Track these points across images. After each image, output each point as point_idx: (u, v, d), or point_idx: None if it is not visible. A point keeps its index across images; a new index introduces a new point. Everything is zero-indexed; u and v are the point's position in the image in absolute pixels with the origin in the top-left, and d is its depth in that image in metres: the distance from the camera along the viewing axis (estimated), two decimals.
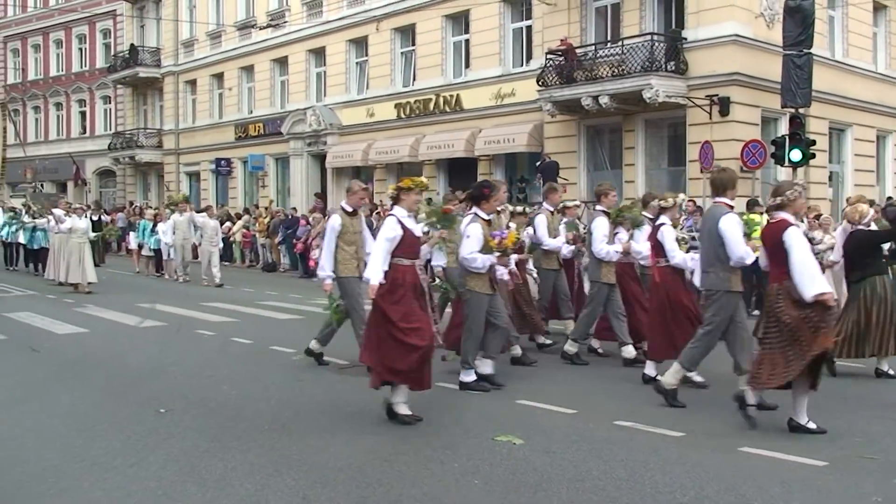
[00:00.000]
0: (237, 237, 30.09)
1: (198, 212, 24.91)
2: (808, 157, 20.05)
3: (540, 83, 23.55)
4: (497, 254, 8.95)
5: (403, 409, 7.69)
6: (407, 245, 7.86)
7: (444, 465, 6.37)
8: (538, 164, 23.46)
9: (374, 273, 7.65)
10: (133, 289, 20.83)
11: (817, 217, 17.18)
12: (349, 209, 10.45)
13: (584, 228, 12.01)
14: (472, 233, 8.96)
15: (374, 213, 25.31)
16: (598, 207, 10.85)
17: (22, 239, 26.12)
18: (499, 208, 10.14)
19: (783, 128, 21.95)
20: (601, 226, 10.57)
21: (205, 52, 39.59)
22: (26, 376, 9.97)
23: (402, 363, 7.52)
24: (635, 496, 5.72)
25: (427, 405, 8.34)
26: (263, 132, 36.03)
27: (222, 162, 37.83)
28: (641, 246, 10.42)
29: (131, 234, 28.22)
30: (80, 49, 48.16)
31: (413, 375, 7.63)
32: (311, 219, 26.26)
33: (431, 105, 28.52)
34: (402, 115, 29.51)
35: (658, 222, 9.57)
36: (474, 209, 9.21)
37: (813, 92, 20.59)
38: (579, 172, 24.47)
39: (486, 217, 9.19)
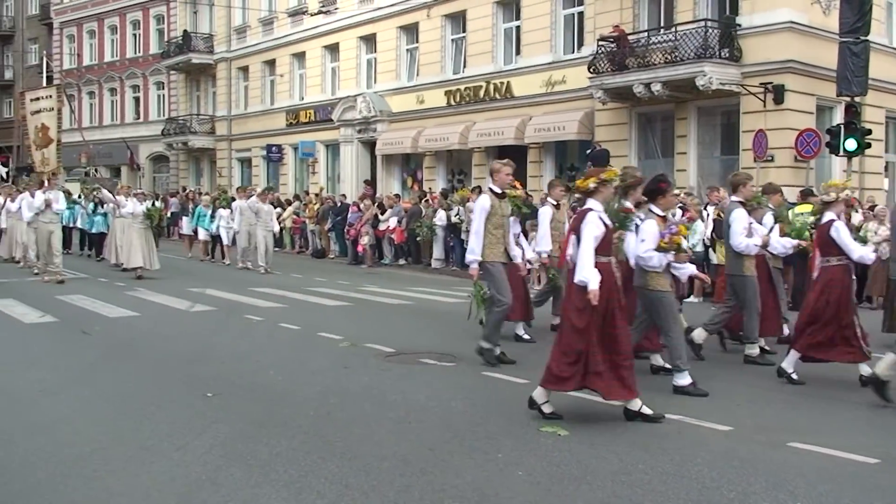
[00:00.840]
0: (287, 223, 30.28)
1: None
2: (863, 146, 19.67)
3: (591, 70, 23.35)
4: (672, 252, 8.35)
5: (646, 410, 7.36)
6: (606, 241, 7.41)
7: (488, 455, 6.34)
8: (588, 152, 23.24)
9: (593, 276, 7.14)
10: (184, 273, 21.06)
11: (872, 208, 16.84)
12: (497, 190, 9.94)
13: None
14: (647, 230, 8.38)
15: (422, 201, 25.33)
16: (734, 198, 10.30)
17: (80, 223, 26.51)
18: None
19: (838, 117, 21.55)
20: (740, 217, 10.04)
21: (257, 39, 39.83)
22: (77, 359, 10.12)
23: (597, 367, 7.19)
24: (681, 491, 5.64)
25: (472, 395, 8.31)
26: (314, 119, 36.20)
27: (273, 148, 38.09)
28: (784, 240, 10.08)
29: (184, 218, 28.53)
30: (134, 35, 48.74)
31: (609, 382, 7.25)
32: (360, 205, 26.38)
33: (481, 92, 28.42)
34: (452, 103, 29.44)
35: (826, 219, 8.96)
36: (649, 205, 8.62)
37: (869, 80, 20.18)
38: (630, 161, 24.21)
39: (662, 213, 8.62)
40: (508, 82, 27.53)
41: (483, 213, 9.70)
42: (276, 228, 24.28)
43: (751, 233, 10.01)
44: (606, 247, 7.42)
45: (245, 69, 41.09)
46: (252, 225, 22.35)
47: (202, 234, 26.07)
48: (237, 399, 8.07)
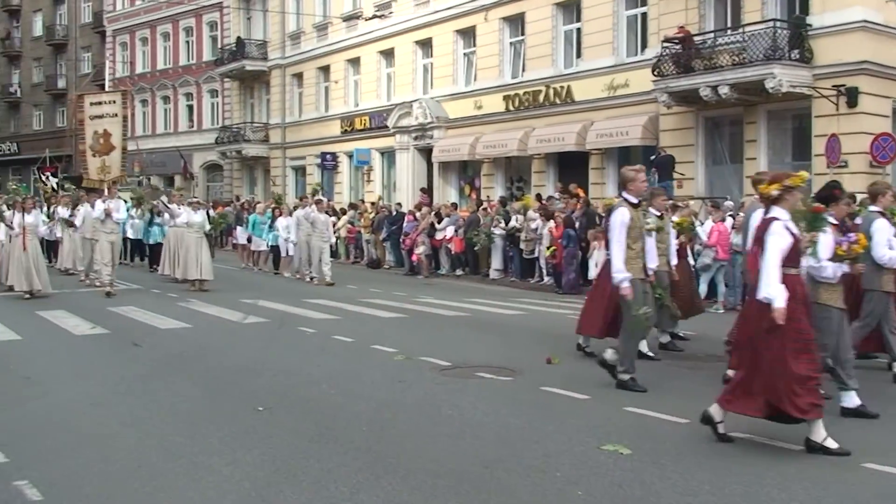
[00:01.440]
0: (342, 233, 30.44)
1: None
2: None
3: (655, 73, 23.15)
4: (847, 262, 8.13)
5: (831, 443, 6.90)
6: (794, 252, 7.08)
7: (546, 474, 6.27)
8: (653, 158, 23.04)
9: (779, 293, 6.80)
10: (237, 284, 21.25)
11: None
12: (634, 200, 9.48)
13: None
14: (821, 238, 8.08)
15: (480, 209, 25.30)
16: (873, 208, 9.86)
17: (130, 233, 26.85)
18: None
19: None
20: (882, 228, 9.58)
21: (311, 45, 40.18)
22: (127, 371, 10.25)
23: (804, 393, 6.83)
24: None
25: (530, 411, 8.25)
26: (369, 126, 36.40)
27: (328, 156, 38.34)
28: None
29: (238, 228, 28.78)
30: (188, 42, 49.47)
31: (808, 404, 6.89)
32: (417, 214, 26.41)
33: (541, 97, 28.33)
34: (511, 108, 29.39)
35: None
36: (825, 213, 8.25)
37: None
38: (697, 167, 23.97)
39: (836, 221, 8.34)
40: (569, 86, 27.41)
41: (623, 226, 9.23)
42: (333, 239, 24.33)
43: (892, 245, 9.59)
44: (795, 258, 7.07)
45: (299, 76, 41.48)
46: (308, 235, 22.45)
47: (256, 244, 26.23)
48: (289, 413, 8.11)
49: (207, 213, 21.80)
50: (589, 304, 11.15)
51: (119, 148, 19.98)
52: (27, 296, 17.78)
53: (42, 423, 7.82)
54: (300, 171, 42.15)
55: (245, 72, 43.38)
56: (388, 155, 36.06)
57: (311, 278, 22.37)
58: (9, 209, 19.25)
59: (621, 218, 9.24)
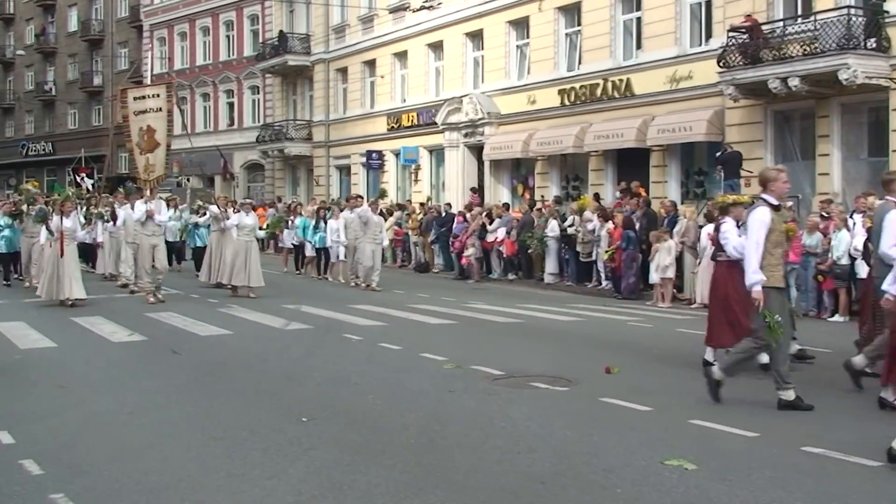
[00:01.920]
0: (388, 235, 30.51)
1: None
2: None
3: (721, 64, 22.92)
4: None
5: None
6: None
7: (606, 490, 6.23)
8: (718, 154, 22.82)
9: None
10: (279, 289, 21.34)
11: None
12: (774, 202, 9.07)
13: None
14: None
15: (534, 210, 25.26)
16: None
17: (168, 236, 26.73)
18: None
19: None
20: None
21: (356, 38, 40.39)
22: (166, 380, 10.37)
23: None
24: None
25: (588, 423, 8.20)
26: (417, 122, 36.48)
27: (374, 154, 38.46)
28: None
29: (285, 231, 28.57)
30: (228, 37, 49.93)
31: None
32: (467, 215, 26.42)
33: (599, 90, 28.19)
34: (567, 102, 29.28)
35: None
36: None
37: None
38: (766, 164, 23.69)
39: None
40: (628, 79, 27.25)
41: (763, 226, 8.92)
42: (386, 242, 24.16)
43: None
44: None
45: (344, 71, 41.71)
46: (357, 238, 22.39)
47: (308, 249, 25.96)
48: (334, 424, 8.14)
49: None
50: (714, 313, 10.90)
51: (163, 145, 19.68)
52: (69, 303, 17.62)
53: (77, 434, 7.93)
54: (344, 171, 42.36)
55: (287, 67, 43.70)
56: (437, 153, 36.12)
57: (356, 283, 22.41)
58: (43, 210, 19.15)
59: (761, 217, 8.94)
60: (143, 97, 20.31)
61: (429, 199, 33.83)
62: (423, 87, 36.52)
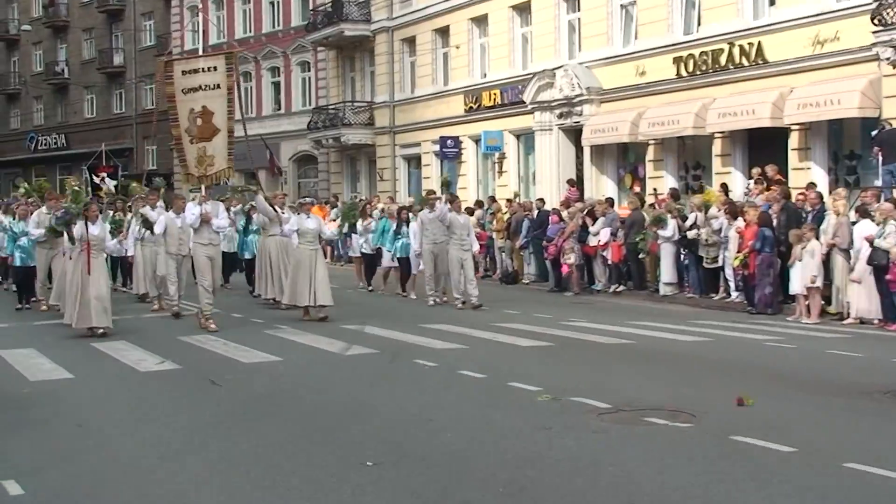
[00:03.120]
0: None
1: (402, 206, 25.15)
2: None
3: (876, 22, 22.56)
4: None
5: None
6: None
7: None
8: (874, 134, 22.44)
9: None
10: (339, 307, 20.81)
11: None
12: None
13: None
14: None
15: (644, 206, 25.08)
16: None
17: (225, 246, 25.96)
18: None
19: None
20: None
21: (425, 2, 40.53)
22: (203, 416, 10.49)
23: None
24: None
25: (717, 468, 8.10)
26: (500, 102, 36.47)
27: (448, 141, 38.49)
28: None
29: (353, 236, 28.12)
30: (272, 3, 50.40)
31: None
32: (563, 214, 26.31)
33: (723, 58, 27.91)
34: (684, 73, 29.05)
35: None
36: None
37: None
38: None
39: None
40: (759, 43, 26.93)
41: None
42: (476, 247, 23.78)
43: None
44: None
45: (411, 41, 41.90)
46: (435, 244, 22.19)
47: (386, 259, 25.51)
48: (404, 470, 8.15)
49: None
50: None
51: (224, 131, 19.15)
52: (99, 332, 17.00)
53: (98, 483, 8.03)
54: (413, 162, 42.55)
55: (344, 38, 44.07)
56: (526, 138, 36.08)
57: (435, 300, 22.30)
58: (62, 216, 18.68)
59: None
60: (195, 71, 19.54)
61: (516, 194, 33.78)
62: (506, 58, 36.51)
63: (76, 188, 20.76)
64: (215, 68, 19.44)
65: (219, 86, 19.26)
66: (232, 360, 14.36)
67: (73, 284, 17.28)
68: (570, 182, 31.82)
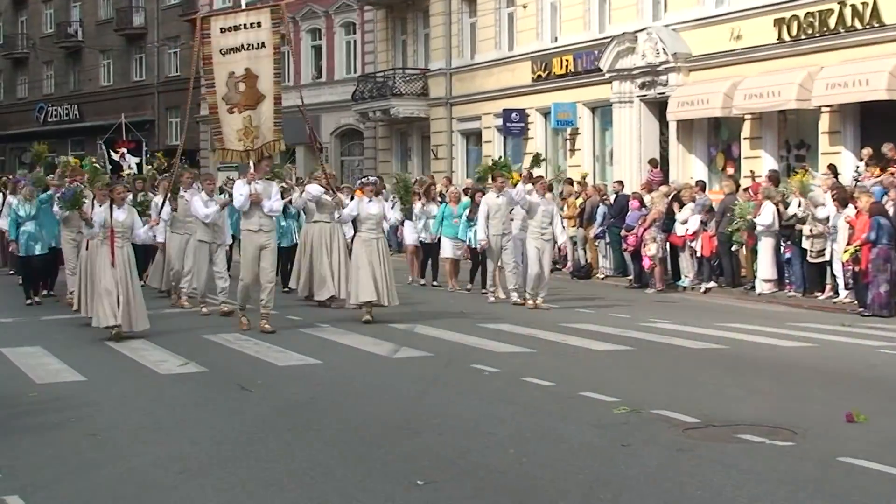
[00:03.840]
0: None
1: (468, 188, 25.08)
2: None
3: None
4: None
5: None
6: None
7: None
8: None
9: None
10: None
11: None
12: None
13: None
14: None
15: (739, 190, 24.92)
16: None
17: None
18: None
19: None
20: None
21: None
22: (231, 427, 10.55)
23: None
24: None
25: (822, 493, 8.04)
26: (573, 70, 36.34)
27: (513, 115, 38.45)
28: None
29: (407, 224, 27.83)
30: None
31: None
32: (645, 199, 26.19)
33: (832, 20, 27.67)
34: (786, 37, 28.83)
35: None
36: None
37: None
38: None
39: None
40: (875, 2, 26.67)
41: None
42: (561, 238, 22.96)
43: None
44: None
45: (471, 0, 41.95)
46: (503, 233, 21.62)
47: (448, 248, 25.34)
48: (461, 490, 8.16)
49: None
50: None
51: (270, 98, 18.40)
52: (124, 333, 16.60)
53: (113, 501, 8.10)
54: (473, 138, 42.54)
55: None
56: (602, 111, 35.99)
57: (496, 297, 22.15)
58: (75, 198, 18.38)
59: None
60: (236, 28, 18.69)
61: (584, 176, 33.59)
62: (581, 19, 36.37)
63: (96, 165, 20.71)
64: (259, 24, 18.57)
65: (263, 45, 18.49)
66: (264, 363, 14.44)
67: (94, 277, 17.19)
68: (651, 162, 31.71)
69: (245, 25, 18.59)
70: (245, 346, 15.85)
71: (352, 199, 20.16)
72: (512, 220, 22.08)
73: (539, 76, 38.03)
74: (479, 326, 17.87)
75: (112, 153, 34.94)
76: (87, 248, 17.96)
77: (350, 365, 14.41)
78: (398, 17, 46.03)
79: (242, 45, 18.43)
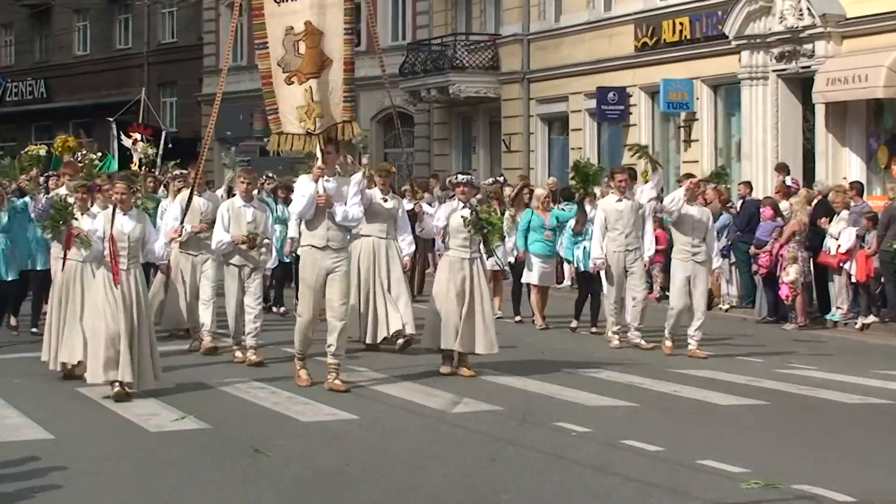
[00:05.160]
0: None
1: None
2: None
3: None
4: None
5: None
6: None
7: None
8: None
9: None
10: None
11: None
12: None
13: None
14: None
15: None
16: None
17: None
18: None
19: None
20: None
21: None
22: (242, 503, 10.59)
23: None
24: None
25: None
26: (689, 36, 36.36)
27: (610, 95, 38.44)
28: None
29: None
30: None
31: None
32: (783, 207, 26.04)
33: None
34: None
35: None
36: None
37: None
38: None
39: None
40: None
41: None
42: (717, 260, 22.08)
43: None
44: None
45: None
46: (631, 249, 21.00)
47: (535, 271, 24.19)
48: None
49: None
50: None
51: (340, 62, 17.47)
52: (115, 390, 15.72)
53: None
54: (557, 125, 42.65)
55: None
56: (727, 91, 36.01)
57: (620, 339, 21.66)
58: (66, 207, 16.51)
59: None
60: None
61: (715, 174, 33.19)
62: None
63: (93, 158, 20.01)
64: None
65: None
66: (285, 418, 14.47)
67: (86, 305, 16.49)
68: (780, 168, 30.64)
69: None
70: (260, 397, 15.85)
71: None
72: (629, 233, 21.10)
73: (644, 44, 38.07)
74: (566, 372, 17.89)
75: (123, 137, 33.96)
76: (63, 269, 17.10)
77: (395, 421, 14.40)
78: None
79: None
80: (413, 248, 21.37)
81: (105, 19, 67.04)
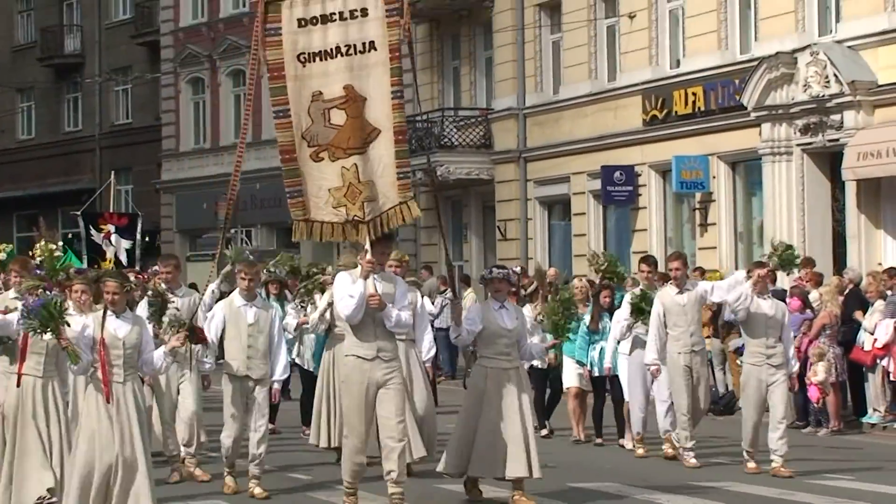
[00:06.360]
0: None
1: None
2: None
3: None
4: None
5: None
6: None
7: None
8: None
9: None
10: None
11: None
12: None
13: None
14: None
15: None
16: None
17: (296, 357, 24.72)
18: None
19: None
20: None
21: None
22: None
23: None
24: None
25: None
26: (702, 109, 36.56)
27: (616, 174, 38.54)
28: None
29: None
30: None
31: None
32: (812, 297, 26.06)
33: None
34: None
35: None
36: None
37: None
38: None
39: None
40: None
41: None
42: (796, 367, 21.26)
43: None
44: None
45: (555, 7, 42.22)
46: (695, 351, 20.40)
47: (571, 375, 23.41)
48: None
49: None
50: None
51: (390, 132, 15.95)
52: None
53: None
54: (558, 209, 42.76)
55: (443, 1, 44.61)
56: (747, 168, 36.16)
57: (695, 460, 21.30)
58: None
59: None
60: (324, 18, 16.05)
61: (785, 258, 32.69)
62: (715, 34, 36.66)
63: (53, 248, 19.07)
64: (364, 11, 15.96)
65: (373, 45, 15.96)
66: None
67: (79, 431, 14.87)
68: (805, 262, 30.43)
69: (340, 14, 16.04)
70: None
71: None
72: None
73: (654, 117, 38.27)
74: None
75: (93, 231, 33.58)
76: (18, 385, 15.71)
77: None
78: (447, 32, 46.54)
79: (338, 47, 16.07)
80: (434, 351, 20.93)
81: (52, 99, 67.21)
